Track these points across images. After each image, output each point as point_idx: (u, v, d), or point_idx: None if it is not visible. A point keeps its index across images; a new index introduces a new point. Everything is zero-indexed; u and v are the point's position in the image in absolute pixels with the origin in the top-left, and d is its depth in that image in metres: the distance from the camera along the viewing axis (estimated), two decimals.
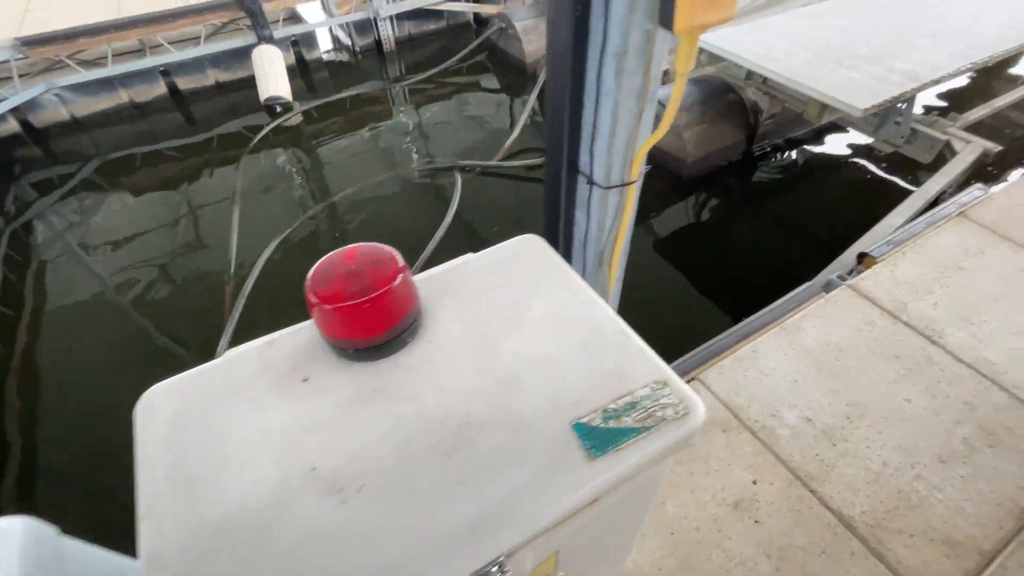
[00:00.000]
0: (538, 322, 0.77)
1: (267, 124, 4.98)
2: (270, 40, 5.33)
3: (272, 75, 5.12)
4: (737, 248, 3.58)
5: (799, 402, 1.82)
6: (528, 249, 0.90)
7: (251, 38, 5.32)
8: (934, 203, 3.13)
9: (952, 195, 3.05)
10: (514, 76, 5.59)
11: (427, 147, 4.67)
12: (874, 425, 1.75)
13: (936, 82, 3.04)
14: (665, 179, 4.10)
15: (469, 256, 0.91)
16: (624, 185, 0.94)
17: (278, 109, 5.17)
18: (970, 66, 3.12)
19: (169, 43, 5.25)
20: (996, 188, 2.58)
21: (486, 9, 6.24)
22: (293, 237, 3.79)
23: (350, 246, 0.72)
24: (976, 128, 3.39)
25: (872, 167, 4.13)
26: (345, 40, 6.22)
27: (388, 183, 4.25)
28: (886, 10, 3.74)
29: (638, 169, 0.93)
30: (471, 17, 6.40)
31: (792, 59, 3.24)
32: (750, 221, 3.84)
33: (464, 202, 3.95)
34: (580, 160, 0.94)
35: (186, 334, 3.23)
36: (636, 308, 3.17)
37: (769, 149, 4.29)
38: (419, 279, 0.83)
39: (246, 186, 4.29)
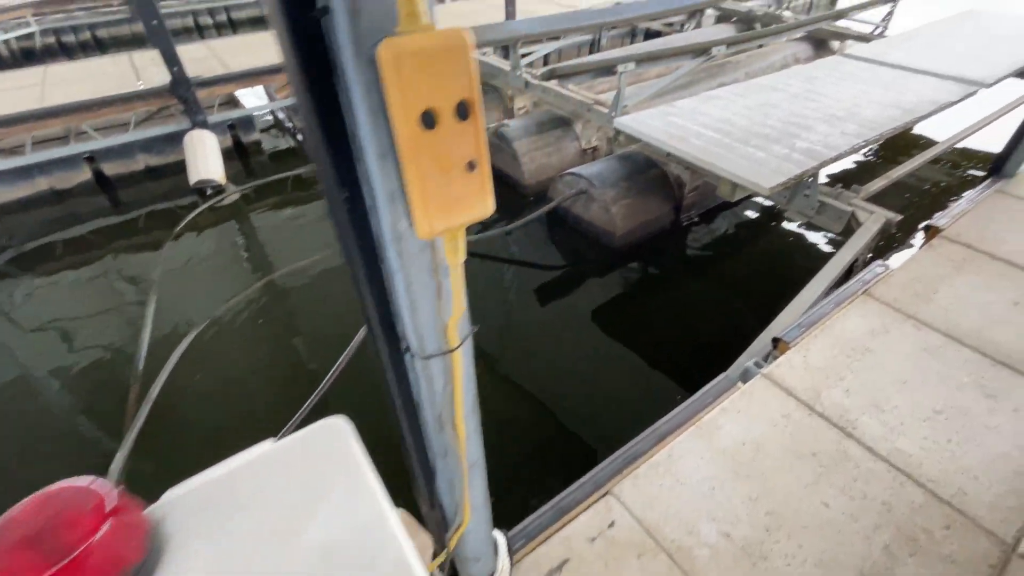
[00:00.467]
0: (305, 552, 0.64)
1: (198, 207, 4.84)
2: (204, 125, 5.30)
3: (203, 158, 5.05)
4: (671, 316, 3.58)
5: (718, 514, 1.71)
6: (327, 438, 0.79)
7: (185, 123, 5.28)
8: (849, 271, 3.22)
9: (862, 266, 3.15)
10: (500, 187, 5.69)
11: None
12: (793, 536, 1.64)
13: (835, 159, 3.21)
14: (597, 251, 4.14)
15: (266, 446, 0.79)
16: (444, 354, 0.85)
17: (208, 192, 5.06)
18: (863, 143, 3.33)
19: (96, 129, 5.15)
20: (896, 263, 2.67)
21: None
22: (212, 330, 3.57)
23: (36, 494, 0.58)
24: (881, 196, 3.59)
25: (795, 229, 4.31)
26: (289, 123, 6.26)
27: (324, 263, 4.12)
28: (783, 95, 4.01)
29: (457, 336, 0.84)
30: None
31: (702, 140, 3.38)
32: (682, 289, 3.88)
33: None
34: (396, 326, 0.85)
35: (74, 449, 2.91)
36: (569, 381, 3.10)
37: (697, 219, 4.43)
38: (169, 501, 0.69)
39: (167, 273, 4.09)
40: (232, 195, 5.14)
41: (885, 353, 2.17)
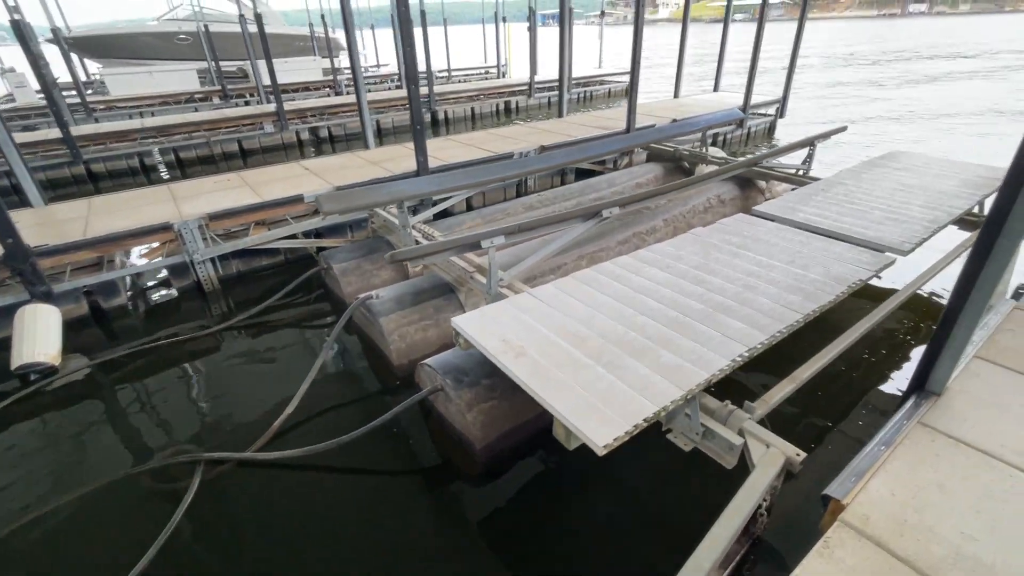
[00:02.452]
0: None
1: (15, 393, 4.05)
2: (46, 297, 4.70)
3: (32, 339, 4.36)
4: (555, 548, 2.63)
5: None
6: None
7: (23, 294, 4.68)
8: (753, 517, 2.38)
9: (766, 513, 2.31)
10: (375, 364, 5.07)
11: (200, 421, 3.78)
12: None
13: (703, 385, 2.51)
14: (454, 468, 3.29)
15: None
16: None
17: (32, 378, 4.31)
18: (746, 354, 2.65)
19: None
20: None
21: (321, 243, 6.02)
22: None
23: None
24: (779, 417, 2.85)
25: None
26: (158, 284, 5.70)
27: (96, 491, 3.22)
28: (671, 274, 3.41)
29: None
30: (313, 250, 6.13)
31: (545, 354, 2.70)
32: (564, 514, 2.96)
33: (199, 518, 2.96)
34: None
35: None
36: None
37: None
38: None
39: None
40: (70, 375, 4.38)
41: None
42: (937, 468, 2.13)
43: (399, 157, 7.33)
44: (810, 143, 6.34)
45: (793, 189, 5.87)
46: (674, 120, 9.22)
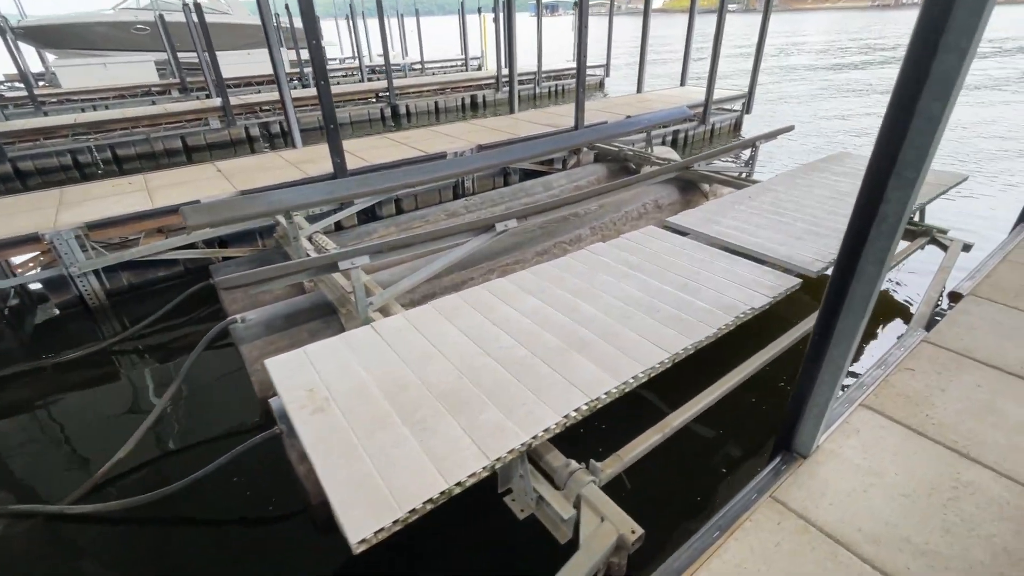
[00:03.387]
0: None
1: None
2: None
3: None
4: None
5: None
6: None
7: None
8: None
9: None
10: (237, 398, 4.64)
11: (20, 467, 3.36)
12: None
13: (516, 450, 2.12)
14: (297, 522, 2.90)
15: None
16: None
17: None
18: (585, 410, 2.26)
19: None
20: None
21: (227, 253, 5.57)
22: None
23: None
24: (639, 475, 2.47)
25: None
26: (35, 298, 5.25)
27: None
28: (536, 302, 2.95)
29: None
30: (219, 259, 5.68)
31: (347, 409, 2.31)
32: None
33: None
34: None
35: None
36: None
37: None
38: None
39: None
40: None
41: None
42: (771, 565, 1.75)
43: (321, 158, 6.87)
44: (752, 144, 5.95)
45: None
46: (627, 117, 8.79)
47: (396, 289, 3.61)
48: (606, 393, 2.31)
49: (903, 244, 4.46)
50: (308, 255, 4.61)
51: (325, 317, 4.00)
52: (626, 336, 2.70)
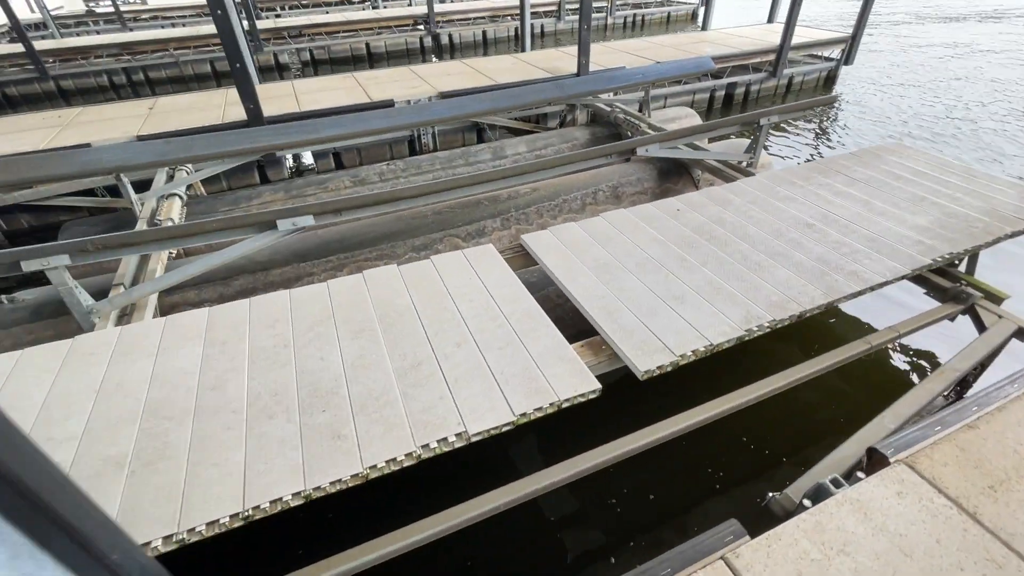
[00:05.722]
0: None
1: None
2: None
3: None
4: None
5: None
6: None
7: None
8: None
9: None
10: None
11: None
12: None
13: None
14: None
15: None
16: None
17: None
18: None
19: None
20: None
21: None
22: None
23: None
24: None
25: None
26: None
27: None
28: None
29: None
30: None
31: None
32: None
33: None
34: None
35: None
36: None
37: None
38: None
39: None
40: None
41: None
42: None
43: (271, 98, 6.18)
44: (754, 121, 4.21)
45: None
46: (657, 63, 6.93)
47: (132, 294, 2.91)
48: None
49: (923, 304, 2.84)
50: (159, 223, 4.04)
51: None
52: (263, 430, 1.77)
